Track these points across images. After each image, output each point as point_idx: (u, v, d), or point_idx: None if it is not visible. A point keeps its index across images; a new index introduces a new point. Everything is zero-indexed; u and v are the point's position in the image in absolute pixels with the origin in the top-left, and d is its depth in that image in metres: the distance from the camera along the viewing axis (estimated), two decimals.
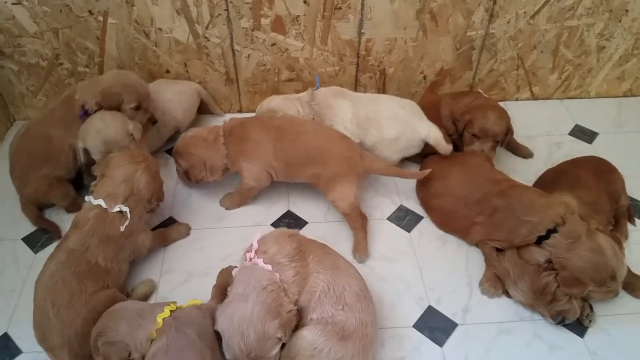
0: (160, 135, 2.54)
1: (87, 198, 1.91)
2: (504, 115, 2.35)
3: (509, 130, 2.38)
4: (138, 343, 1.61)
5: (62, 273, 1.78)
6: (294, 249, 1.77)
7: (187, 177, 2.28)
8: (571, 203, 1.96)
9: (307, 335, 1.64)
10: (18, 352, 1.84)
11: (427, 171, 2.22)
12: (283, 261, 1.74)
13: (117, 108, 2.20)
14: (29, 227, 2.26)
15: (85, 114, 2.16)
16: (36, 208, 2.28)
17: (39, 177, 2.19)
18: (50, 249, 2.12)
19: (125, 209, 1.90)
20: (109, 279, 1.87)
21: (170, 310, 1.65)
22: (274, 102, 2.44)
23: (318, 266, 1.77)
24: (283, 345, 1.65)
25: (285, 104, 2.42)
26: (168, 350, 1.57)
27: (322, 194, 2.27)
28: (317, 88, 2.48)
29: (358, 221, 2.19)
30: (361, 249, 2.17)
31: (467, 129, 2.36)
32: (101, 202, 1.87)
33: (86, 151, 2.11)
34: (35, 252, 2.17)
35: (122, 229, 1.88)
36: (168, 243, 2.19)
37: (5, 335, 1.90)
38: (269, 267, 1.71)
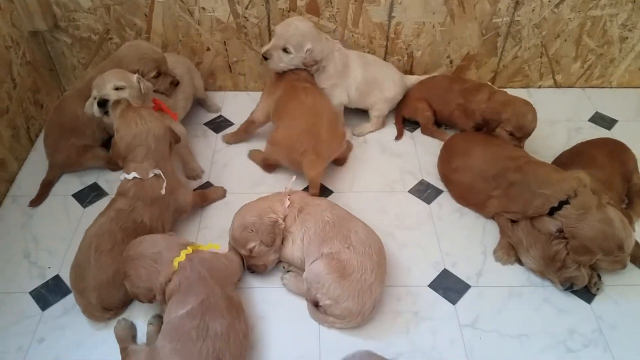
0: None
1: (121, 176, 2.05)
2: (535, 112, 2.40)
3: None
4: (158, 285, 1.77)
5: (110, 226, 1.95)
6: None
7: None
8: (584, 178, 2.05)
9: (315, 267, 1.87)
10: (68, 291, 2.02)
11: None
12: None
13: None
14: (78, 185, 2.47)
15: None
16: (57, 175, 2.48)
17: (68, 145, 2.42)
18: (98, 204, 2.36)
19: (159, 171, 2.04)
20: None
21: (186, 254, 1.80)
22: (306, 28, 2.41)
23: (328, 207, 2.04)
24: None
25: (314, 35, 2.43)
26: (180, 287, 1.74)
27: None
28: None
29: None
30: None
31: (503, 127, 2.41)
32: (134, 174, 2.01)
33: (99, 103, 2.17)
34: (84, 207, 2.37)
35: (163, 191, 2.03)
36: (207, 203, 2.36)
37: (57, 277, 2.10)
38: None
